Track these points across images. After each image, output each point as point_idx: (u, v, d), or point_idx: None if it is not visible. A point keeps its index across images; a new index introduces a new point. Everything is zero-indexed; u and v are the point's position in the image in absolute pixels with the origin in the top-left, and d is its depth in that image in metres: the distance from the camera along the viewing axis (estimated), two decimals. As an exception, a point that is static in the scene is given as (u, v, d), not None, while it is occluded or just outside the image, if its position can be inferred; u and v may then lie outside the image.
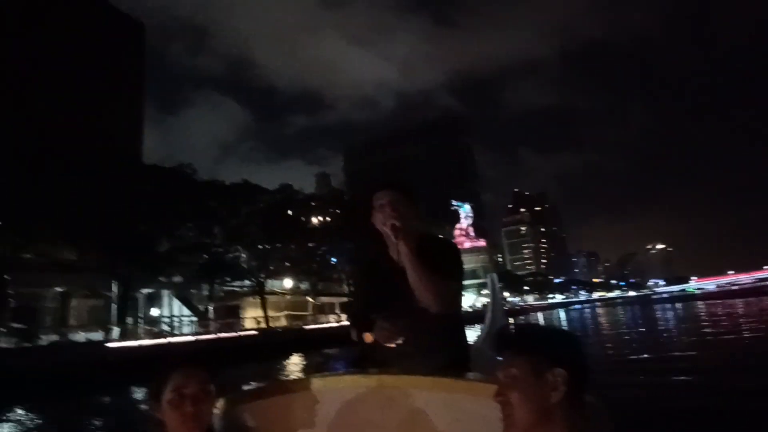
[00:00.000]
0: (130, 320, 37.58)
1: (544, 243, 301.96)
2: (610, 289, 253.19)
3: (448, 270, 1.83)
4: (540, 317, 72.73)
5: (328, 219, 50.07)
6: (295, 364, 25.65)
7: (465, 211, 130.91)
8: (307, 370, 22.58)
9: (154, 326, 37.44)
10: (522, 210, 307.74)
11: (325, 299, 52.12)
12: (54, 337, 28.61)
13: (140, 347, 23.60)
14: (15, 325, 24.46)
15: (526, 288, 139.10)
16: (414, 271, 1.75)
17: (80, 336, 29.99)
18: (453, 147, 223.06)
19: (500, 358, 1.16)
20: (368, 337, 1.85)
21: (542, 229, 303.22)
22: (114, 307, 35.61)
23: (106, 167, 27.77)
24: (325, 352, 27.73)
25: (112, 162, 29.33)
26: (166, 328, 37.43)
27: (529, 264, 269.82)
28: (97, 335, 30.01)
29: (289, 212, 43.09)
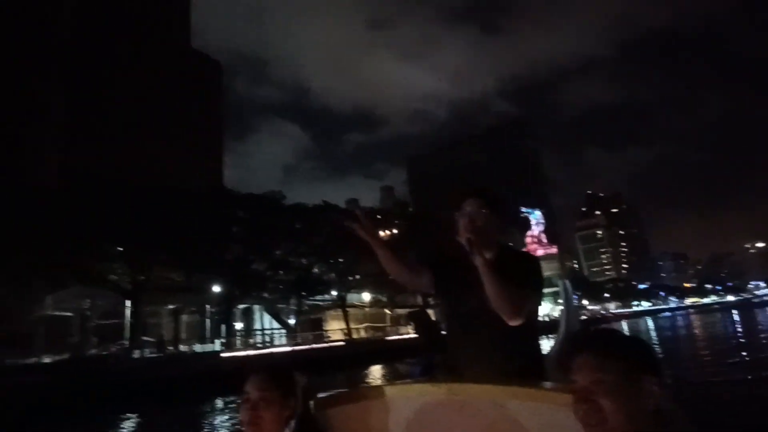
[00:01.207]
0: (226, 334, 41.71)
1: (623, 246, 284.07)
2: (705, 294, 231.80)
3: (527, 284, 1.82)
4: (624, 326, 69.32)
5: (395, 231, 51.99)
6: (375, 373, 27.35)
7: (536, 217, 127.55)
8: (385, 378, 24.05)
9: (249, 339, 41.20)
10: (597, 213, 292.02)
11: (401, 311, 53.82)
12: (170, 349, 32.74)
13: (248, 357, 26.52)
14: (145, 338, 28.43)
15: (606, 295, 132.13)
16: (491, 284, 1.73)
17: (191, 347, 34.04)
18: (517, 152, 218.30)
19: (578, 363, 1.10)
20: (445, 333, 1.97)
21: (620, 232, 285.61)
22: (208, 322, 39.67)
23: (205, 197, 31.52)
24: (403, 361, 29.04)
25: (212, 192, 33.11)
26: (259, 340, 41.01)
27: (609, 270, 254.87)
28: (209, 347, 33.78)
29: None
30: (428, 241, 39.04)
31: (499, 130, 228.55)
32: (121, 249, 26.86)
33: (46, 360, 24.54)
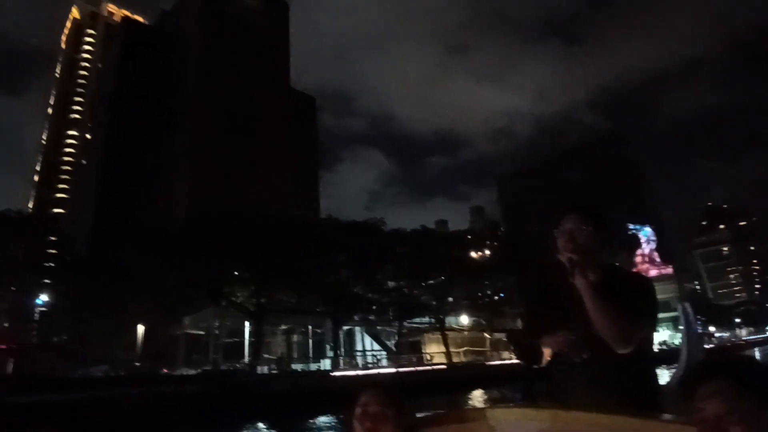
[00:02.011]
0: (331, 353, 44.10)
1: (755, 265, 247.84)
2: None
3: (638, 309, 1.67)
4: (757, 354, 60.52)
5: (487, 253, 51.39)
6: (477, 397, 27.23)
7: (646, 234, 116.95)
8: (486, 402, 23.89)
9: (352, 359, 43.11)
10: (720, 227, 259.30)
11: (500, 335, 52.61)
12: (281, 366, 35.55)
13: (357, 376, 28.06)
14: (266, 355, 31.37)
15: (736, 320, 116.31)
16: (595, 309, 1.63)
17: (303, 365, 36.61)
18: (617, 165, 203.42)
19: (708, 391, 1.03)
20: (547, 357, 1.76)
21: (751, 248, 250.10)
22: (311, 342, 42.14)
23: (314, 225, 34.35)
24: (504, 387, 28.50)
25: (319, 220, 35.97)
26: (361, 361, 42.74)
27: (738, 291, 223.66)
28: (314, 365, 36.14)
29: (455, 249, 45.68)
30: (524, 262, 38.33)
31: (595, 143, 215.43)
32: (247, 275, 30.27)
33: (189, 372, 28.16)
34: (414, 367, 35.19)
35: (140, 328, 31.96)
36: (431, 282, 42.24)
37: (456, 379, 31.32)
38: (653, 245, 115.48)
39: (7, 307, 39.04)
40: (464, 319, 49.07)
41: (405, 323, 42.94)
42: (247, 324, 36.59)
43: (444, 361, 40.82)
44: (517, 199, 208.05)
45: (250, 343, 36.90)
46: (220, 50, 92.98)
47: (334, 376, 28.01)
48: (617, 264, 2.16)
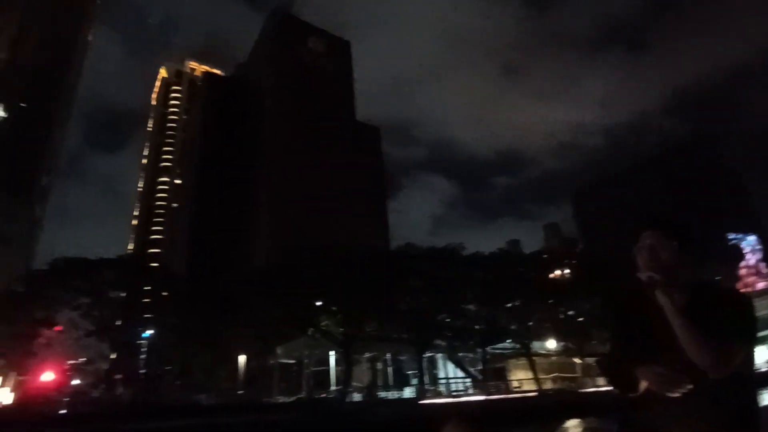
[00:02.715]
0: (414, 381, 44.07)
1: None
2: None
3: (732, 330, 1.57)
4: None
5: (566, 272, 49.14)
6: (572, 426, 25.79)
7: (750, 244, 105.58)
8: None
9: (435, 386, 42.71)
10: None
11: (590, 360, 49.61)
12: (370, 394, 36.14)
13: (446, 404, 27.92)
14: (355, 383, 32.24)
15: None
16: (683, 332, 1.54)
17: (388, 393, 36.96)
18: (708, 171, 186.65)
19: None
20: (643, 385, 1.65)
21: None
22: (389, 370, 42.26)
23: (391, 254, 35.23)
24: (600, 415, 26.82)
25: (398, 248, 36.84)
26: (445, 389, 42.22)
27: None
28: (394, 393, 36.25)
29: (533, 270, 44.19)
30: (605, 282, 36.30)
31: (677, 149, 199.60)
32: (335, 306, 31.67)
33: (286, 400, 29.60)
34: (502, 394, 34.23)
35: (241, 358, 34.31)
36: (510, 305, 41.23)
37: (547, 408, 30.01)
38: (759, 255, 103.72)
39: (116, 339, 43.49)
40: (551, 344, 47.01)
41: (488, 349, 42.07)
42: (331, 353, 37.89)
43: (533, 387, 39.26)
44: (595, 214, 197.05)
45: (336, 371, 38.05)
46: (291, 94, 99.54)
47: (424, 404, 28.05)
48: (716, 278, 2.15)
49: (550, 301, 43.18)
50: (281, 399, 30.64)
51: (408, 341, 37.19)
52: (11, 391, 50.62)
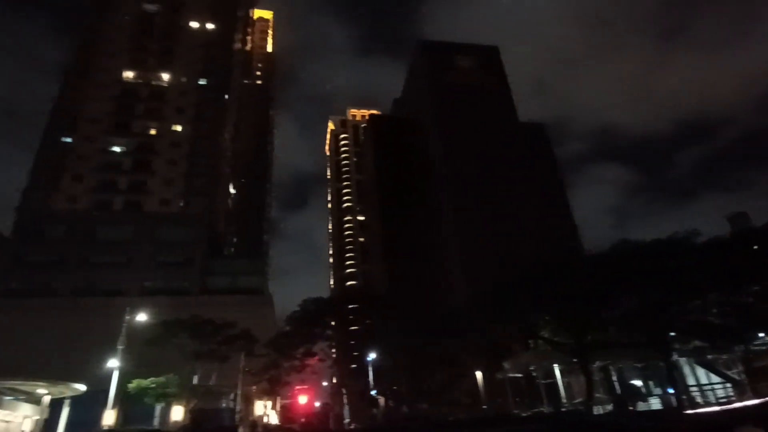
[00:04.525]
0: (657, 390, 39.60)
1: None
2: None
3: None
4: None
5: None
6: None
7: None
8: None
9: (685, 394, 37.63)
10: None
11: None
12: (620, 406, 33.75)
13: (721, 412, 24.58)
14: (597, 395, 30.69)
15: None
16: None
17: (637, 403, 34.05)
18: None
19: None
20: None
21: None
22: (614, 380, 38.31)
23: (613, 252, 32.88)
24: None
25: (612, 248, 34.24)
26: (699, 396, 36.87)
27: None
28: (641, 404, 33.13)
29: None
30: None
31: None
32: (559, 318, 31.05)
33: (522, 414, 29.72)
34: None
35: (478, 374, 35.88)
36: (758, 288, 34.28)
37: None
38: None
39: (355, 363, 49.41)
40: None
41: (750, 346, 35.61)
42: (555, 366, 36.82)
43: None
44: None
45: (563, 383, 36.69)
46: (452, 114, 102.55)
47: (688, 415, 25.18)
48: None
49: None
50: (517, 412, 30.88)
51: (645, 345, 33.91)
52: (276, 412, 61.53)
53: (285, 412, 68.57)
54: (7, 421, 28.96)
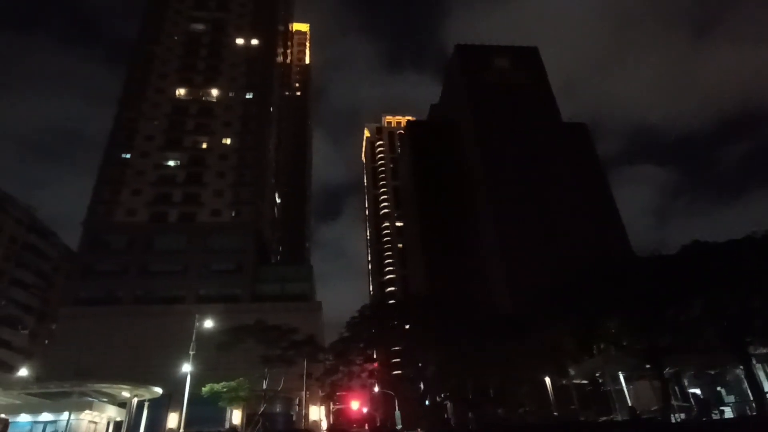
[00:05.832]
0: (730, 397, 37.85)
1: None
2: None
3: None
4: None
5: None
6: None
7: None
8: None
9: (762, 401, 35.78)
10: None
11: None
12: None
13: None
14: (674, 402, 29.71)
15: None
16: None
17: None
18: None
19: None
20: None
21: None
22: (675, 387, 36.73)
23: (684, 254, 31.78)
24: None
25: (686, 249, 33.09)
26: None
27: None
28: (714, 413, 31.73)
29: None
30: None
31: None
32: (626, 323, 30.29)
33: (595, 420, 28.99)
34: None
35: (547, 380, 35.45)
36: None
37: None
38: None
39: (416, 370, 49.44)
40: None
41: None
42: (620, 373, 35.81)
43: None
44: None
45: (628, 390, 35.60)
46: (491, 116, 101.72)
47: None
48: None
49: None
50: (583, 419, 30.23)
51: (720, 350, 32.54)
52: (327, 417, 62.42)
53: (336, 417, 69.51)
54: (95, 422, 30.77)
